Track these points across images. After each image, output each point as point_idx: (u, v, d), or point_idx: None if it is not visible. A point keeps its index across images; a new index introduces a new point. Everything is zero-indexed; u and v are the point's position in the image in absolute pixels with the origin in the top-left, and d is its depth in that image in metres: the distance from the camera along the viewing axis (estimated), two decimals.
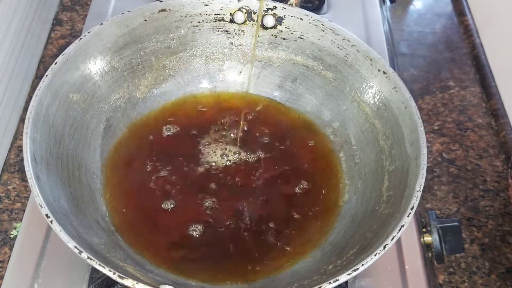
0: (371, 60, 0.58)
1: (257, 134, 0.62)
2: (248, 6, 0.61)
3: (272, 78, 0.64)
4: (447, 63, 0.87)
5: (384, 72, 0.57)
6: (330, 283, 0.42)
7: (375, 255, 0.44)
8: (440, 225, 0.57)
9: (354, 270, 0.43)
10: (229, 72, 0.65)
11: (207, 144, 0.61)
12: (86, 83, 0.57)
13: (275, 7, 0.61)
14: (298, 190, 0.58)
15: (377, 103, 0.57)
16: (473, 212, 0.69)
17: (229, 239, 0.54)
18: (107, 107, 0.59)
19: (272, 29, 0.62)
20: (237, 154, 0.60)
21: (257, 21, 0.61)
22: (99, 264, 0.41)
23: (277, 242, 0.54)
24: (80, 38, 0.56)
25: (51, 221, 0.43)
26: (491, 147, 0.75)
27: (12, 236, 0.63)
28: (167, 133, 0.62)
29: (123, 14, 0.59)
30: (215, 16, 0.62)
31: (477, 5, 0.92)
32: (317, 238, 0.55)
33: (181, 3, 0.61)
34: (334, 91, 0.61)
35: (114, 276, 0.41)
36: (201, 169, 0.59)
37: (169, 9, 0.60)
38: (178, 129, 0.62)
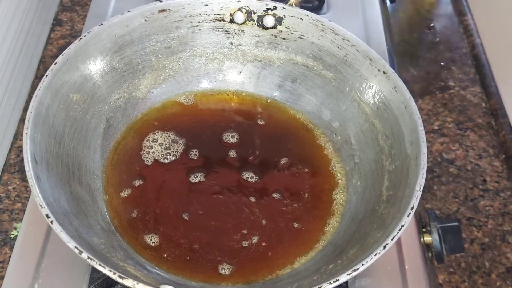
0: (370, 60, 0.58)
1: (257, 134, 0.62)
2: (248, 6, 0.61)
3: (272, 78, 0.64)
4: (447, 63, 0.87)
5: (384, 72, 0.57)
6: (330, 283, 0.42)
7: (375, 255, 0.44)
8: (440, 225, 0.57)
9: (354, 270, 0.43)
10: (229, 72, 0.65)
11: (206, 144, 0.61)
12: (86, 83, 0.57)
13: (275, 7, 0.61)
14: (297, 189, 0.58)
15: (377, 103, 0.57)
16: (473, 211, 0.69)
17: (230, 239, 0.54)
18: (107, 107, 0.59)
19: (272, 29, 0.62)
20: (236, 154, 0.61)
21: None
22: (99, 264, 0.41)
23: (276, 242, 0.54)
24: (80, 38, 0.56)
25: (51, 221, 0.43)
26: (491, 147, 0.75)
27: (12, 236, 0.63)
28: (167, 133, 0.62)
29: (123, 14, 0.59)
30: (215, 16, 0.62)
31: (477, 5, 0.92)
32: (316, 238, 0.55)
33: (180, 3, 0.61)
34: (334, 91, 0.61)
35: (114, 276, 0.41)
36: (201, 169, 0.59)
37: (169, 9, 0.60)
38: (178, 129, 0.62)
